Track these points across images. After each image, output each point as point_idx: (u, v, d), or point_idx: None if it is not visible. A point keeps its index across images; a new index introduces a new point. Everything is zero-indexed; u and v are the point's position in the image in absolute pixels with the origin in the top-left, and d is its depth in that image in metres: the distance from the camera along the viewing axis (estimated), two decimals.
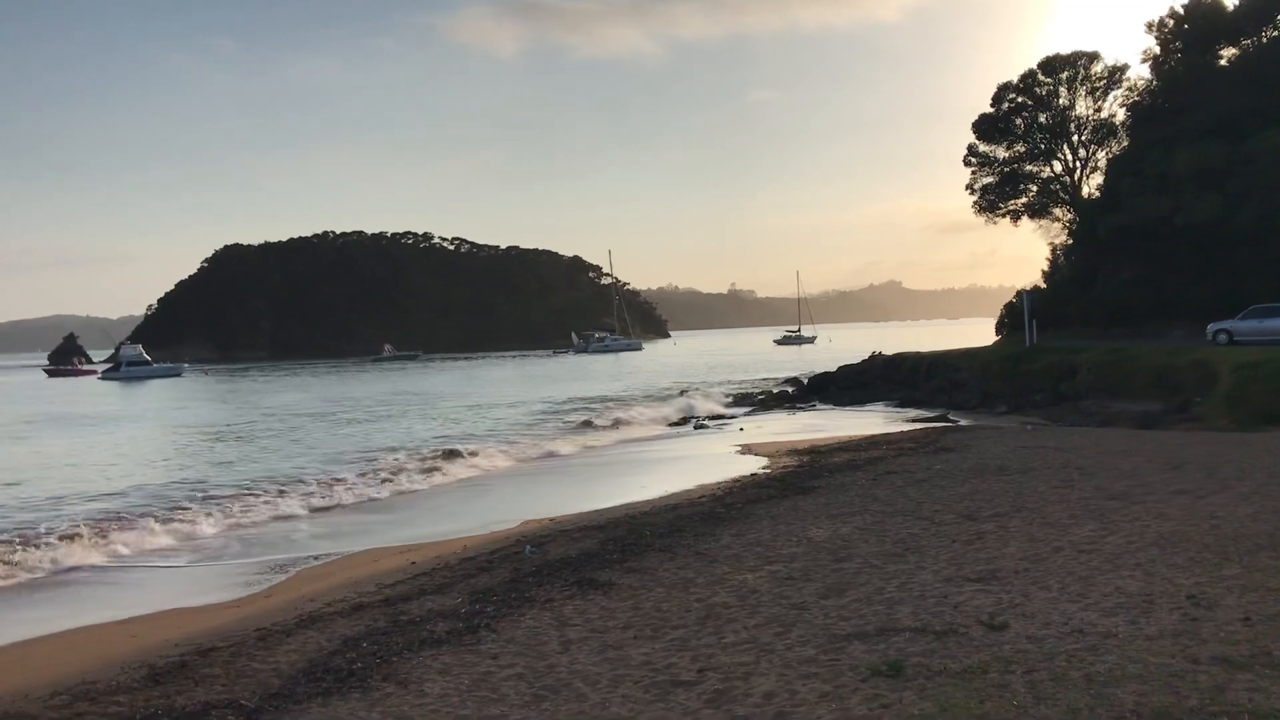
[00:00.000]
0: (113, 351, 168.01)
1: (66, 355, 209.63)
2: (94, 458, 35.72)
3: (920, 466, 21.05)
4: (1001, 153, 63.22)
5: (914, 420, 35.38)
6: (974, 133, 63.46)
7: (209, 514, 21.64)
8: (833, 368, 55.08)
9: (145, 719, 8.74)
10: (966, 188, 64.15)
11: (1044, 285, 58.42)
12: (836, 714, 7.50)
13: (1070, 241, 59.69)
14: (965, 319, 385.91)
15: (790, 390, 53.53)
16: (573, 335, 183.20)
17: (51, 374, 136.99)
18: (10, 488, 27.31)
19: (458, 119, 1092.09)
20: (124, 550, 18.45)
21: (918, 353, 51.78)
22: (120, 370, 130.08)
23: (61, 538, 18.89)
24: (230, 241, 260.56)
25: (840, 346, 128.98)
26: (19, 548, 18.18)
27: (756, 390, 57.74)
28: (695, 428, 37.79)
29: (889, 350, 56.27)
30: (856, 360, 54.56)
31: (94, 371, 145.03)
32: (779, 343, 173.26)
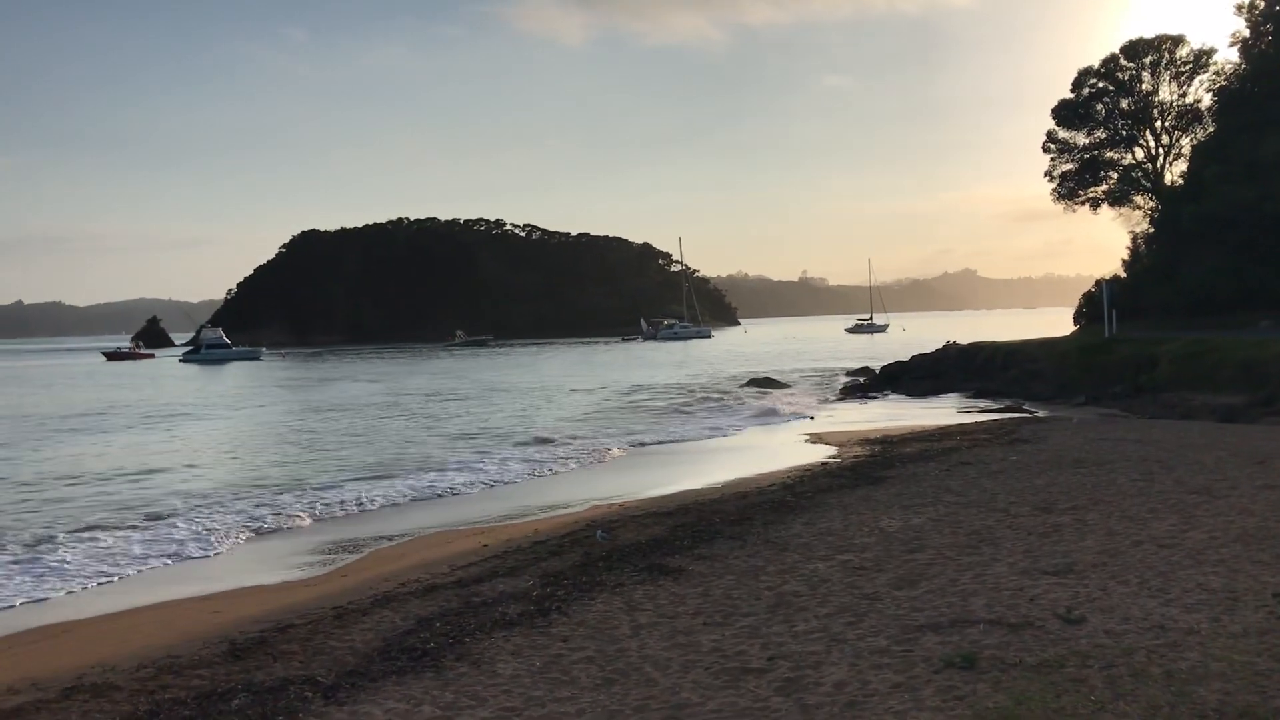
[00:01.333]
0: (194, 334, 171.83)
1: (151, 338, 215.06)
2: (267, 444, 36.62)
3: (995, 458, 20.76)
4: (1081, 139, 61.92)
5: (989, 411, 34.88)
6: (1053, 119, 62.22)
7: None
8: (906, 357, 54.45)
9: (226, 693, 8.95)
10: (1045, 175, 62.95)
11: (1123, 275, 57.16)
12: (909, 705, 7.45)
13: (1151, 230, 58.31)
14: (1042, 308, 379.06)
15: (862, 379, 53.07)
16: (641, 322, 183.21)
17: (110, 358, 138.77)
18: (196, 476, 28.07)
19: (526, 107, 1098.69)
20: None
21: (993, 342, 51.03)
22: (201, 353, 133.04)
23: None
24: (308, 227, 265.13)
25: (913, 335, 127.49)
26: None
27: (828, 378, 57.37)
28: (766, 415, 37.65)
29: (963, 339, 55.49)
30: (930, 349, 53.86)
31: (151, 355, 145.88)
32: (850, 331, 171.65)
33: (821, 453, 25.59)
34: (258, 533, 18.63)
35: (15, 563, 16.18)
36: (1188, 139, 59.53)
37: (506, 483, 23.72)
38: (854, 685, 7.99)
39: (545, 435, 32.75)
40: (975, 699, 7.41)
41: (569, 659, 9.30)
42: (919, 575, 11.35)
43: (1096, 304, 49.40)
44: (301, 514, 20.00)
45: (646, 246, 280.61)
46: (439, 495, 22.21)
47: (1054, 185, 62.61)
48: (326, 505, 20.89)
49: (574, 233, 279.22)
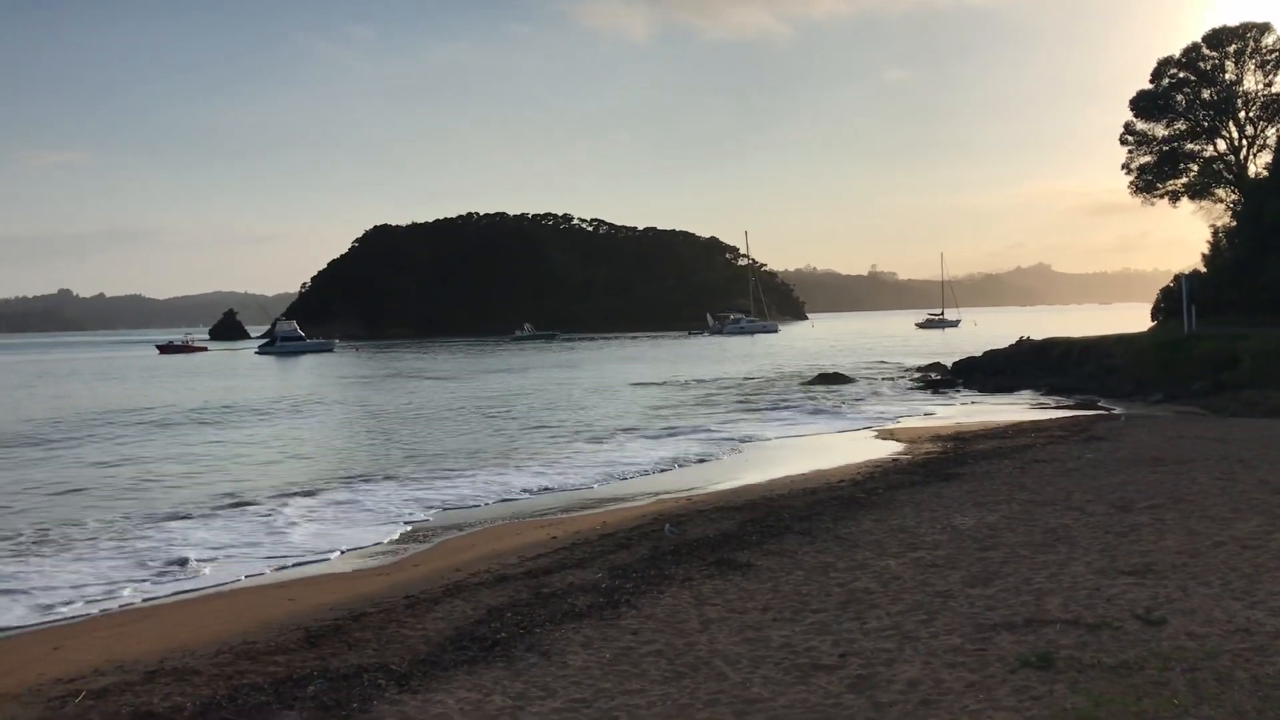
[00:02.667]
0: (269, 327, 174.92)
1: (227, 330, 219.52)
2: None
3: (1070, 455, 20.38)
4: (1161, 131, 60.36)
5: (1063, 407, 34.27)
6: (1131, 110, 60.75)
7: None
8: (978, 352, 53.70)
9: (301, 679, 9.11)
10: (1122, 167, 61.46)
11: (1203, 270, 55.69)
12: (984, 704, 7.34)
13: (1234, 224, 56.67)
14: (1117, 303, 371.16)
15: (933, 375, 52.45)
16: (708, 316, 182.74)
17: (163, 351, 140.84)
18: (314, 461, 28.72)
19: (592, 102, 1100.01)
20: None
21: (1068, 338, 50.09)
22: (276, 345, 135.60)
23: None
24: (379, 222, 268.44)
25: (985, 331, 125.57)
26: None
27: (898, 373, 56.77)
28: (834, 410, 37.38)
29: (1037, 335, 54.54)
30: (1003, 345, 53.04)
31: (204, 349, 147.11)
32: (921, 326, 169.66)
33: (891, 449, 25.34)
34: (339, 522, 18.90)
35: (103, 550, 16.64)
36: (1273, 130, 57.76)
37: (577, 486, 23.80)
38: (927, 683, 7.89)
39: (613, 430, 32.82)
40: (1052, 699, 7.28)
41: (638, 652, 9.31)
42: (993, 573, 11.18)
43: (1175, 299, 48.17)
44: (395, 506, 20.25)
45: (713, 240, 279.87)
46: (525, 492, 22.27)
47: (1132, 178, 61.12)
48: (415, 500, 21.15)
49: (641, 227, 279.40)
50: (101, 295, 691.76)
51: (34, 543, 17.31)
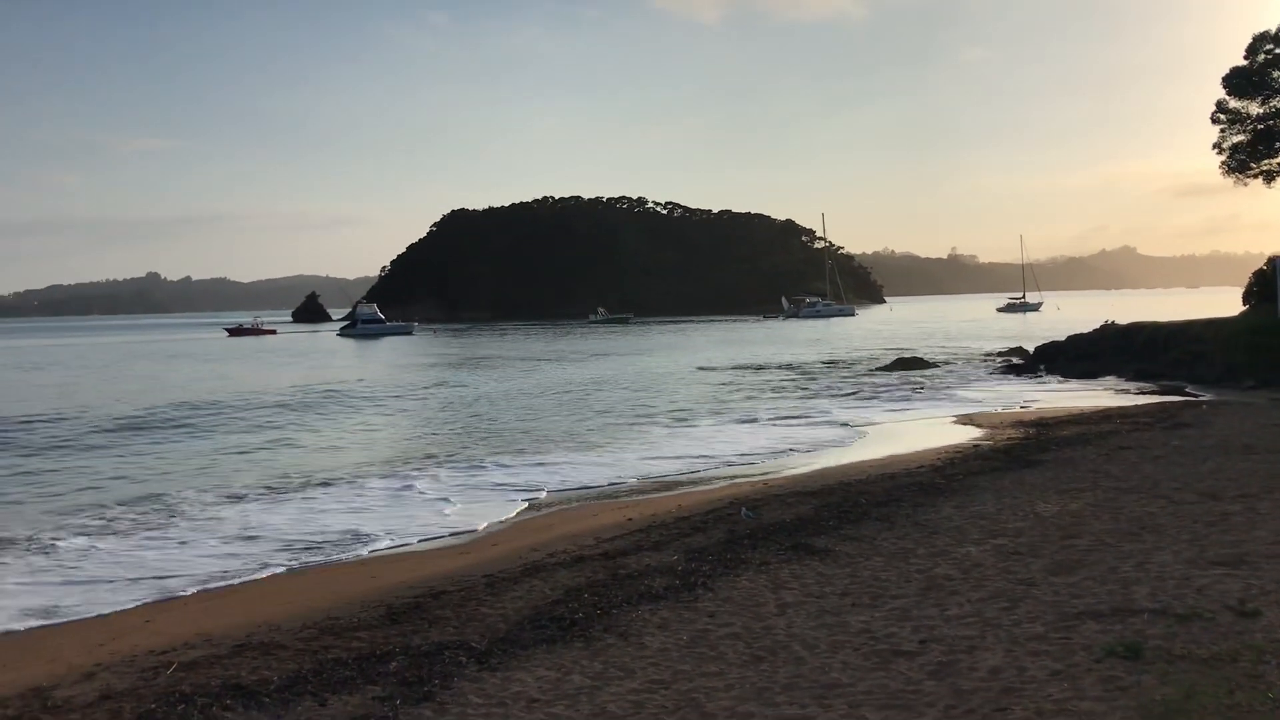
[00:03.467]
0: (350, 310, 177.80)
1: (309, 313, 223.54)
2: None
3: (1157, 442, 19.90)
4: (1255, 109, 58.25)
5: (1149, 394, 33.44)
6: (1224, 87, 58.72)
7: None
8: (1060, 337, 52.60)
9: (384, 655, 9.27)
10: (1214, 147, 59.45)
11: None
12: (1069, 694, 7.21)
13: None
14: (1205, 288, 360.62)
15: (1014, 360, 51.51)
16: (783, 300, 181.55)
17: (232, 334, 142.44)
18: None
19: (664, 85, 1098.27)
20: None
21: (1154, 322, 48.77)
22: (356, 328, 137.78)
23: None
24: (457, 206, 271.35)
25: (1069, 315, 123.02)
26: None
27: (978, 358, 55.88)
28: (914, 394, 36.95)
29: (1122, 319, 53.26)
30: (1087, 329, 51.88)
31: (273, 332, 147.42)
32: (1002, 310, 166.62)
33: (971, 434, 24.97)
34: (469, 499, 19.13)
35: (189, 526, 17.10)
36: None
37: (654, 477, 23.83)
38: (1010, 671, 7.78)
39: (686, 416, 32.82)
40: (1141, 690, 7.12)
41: (715, 634, 9.31)
42: (1077, 562, 10.97)
43: (1268, 283, 46.58)
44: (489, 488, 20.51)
45: (789, 223, 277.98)
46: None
47: (1223, 158, 59.13)
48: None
49: (715, 210, 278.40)
50: (188, 279, 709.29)
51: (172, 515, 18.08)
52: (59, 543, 15.86)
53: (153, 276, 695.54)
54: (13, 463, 25.10)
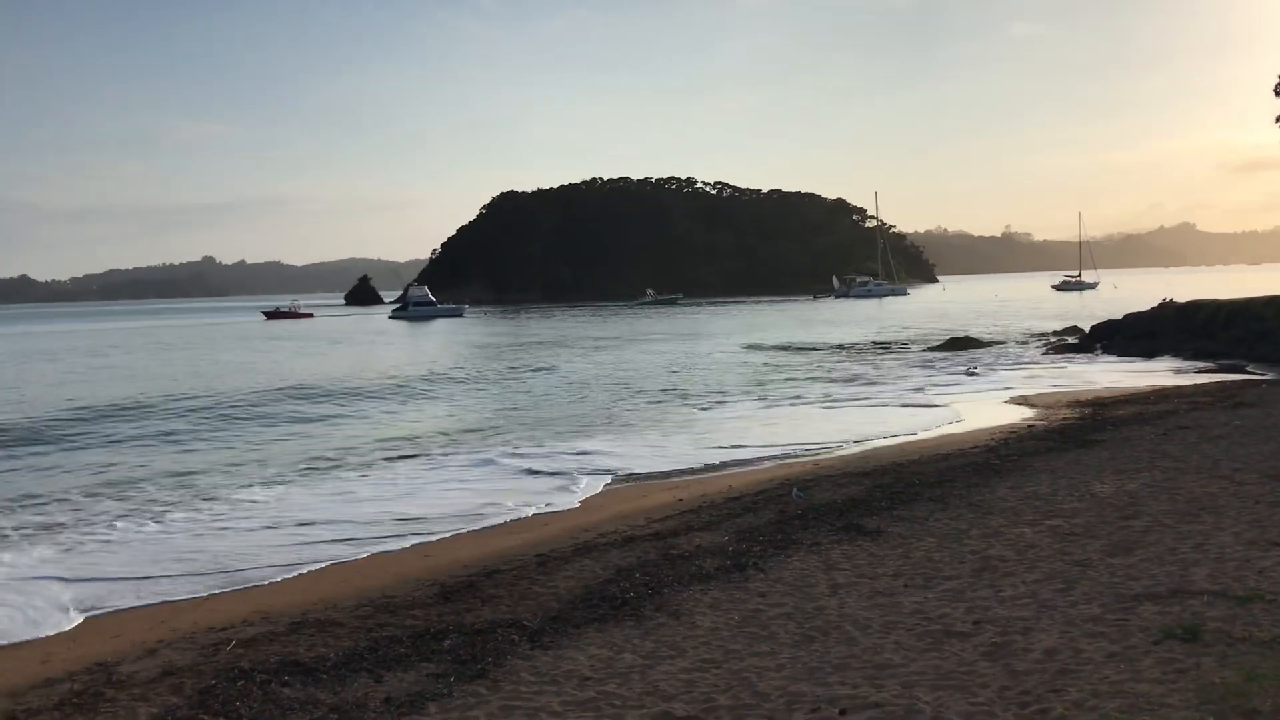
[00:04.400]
0: (401, 292, 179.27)
1: (362, 295, 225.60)
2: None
3: (1217, 422, 19.53)
4: None
5: (1210, 373, 32.83)
6: None
7: None
8: (1117, 315, 51.78)
9: (438, 633, 9.38)
10: (1277, 120, 58.24)
11: None
12: (1126, 675, 7.12)
13: None
14: (1269, 264, 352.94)
15: (1070, 339, 50.82)
16: (834, 279, 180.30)
17: (270, 317, 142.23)
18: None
19: (712, 65, 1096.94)
20: None
21: (1214, 300, 47.84)
22: (408, 310, 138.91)
23: None
24: (506, 188, 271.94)
25: (1125, 293, 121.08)
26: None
27: (1032, 337, 55.18)
28: (967, 374, 36.58)
29: (1181, 297, 52.28)
30: (1144, 308, 51.02)
31: (310, 315, 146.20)
32: (1057, 289, 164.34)
33: (1026, 414, 24.68)
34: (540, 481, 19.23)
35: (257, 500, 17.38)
36: None
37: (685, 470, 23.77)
38: (1066, 653, 7.70)
39: (727, 396, 32.75)
40: (1199, 673, 7.02)
41: (767, 614, 9.31)
42: (1134, 543, 10.82)
43: None
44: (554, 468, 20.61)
45: (840, 202, 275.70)
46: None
47: None
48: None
49: (765, 189, 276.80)
50: (243, 262, 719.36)
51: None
52: (147, 518, 16.30)
53: (208, 260, 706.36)
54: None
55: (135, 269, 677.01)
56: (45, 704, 8.22)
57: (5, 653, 10.15)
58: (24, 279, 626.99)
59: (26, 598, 12.08)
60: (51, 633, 10.65)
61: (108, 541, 14.86)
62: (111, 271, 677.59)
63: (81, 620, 11.05)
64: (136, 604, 11.72)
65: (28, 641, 10.51)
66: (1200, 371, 33.56)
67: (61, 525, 16.09)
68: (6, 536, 15.41)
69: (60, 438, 25.96)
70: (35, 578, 12.97)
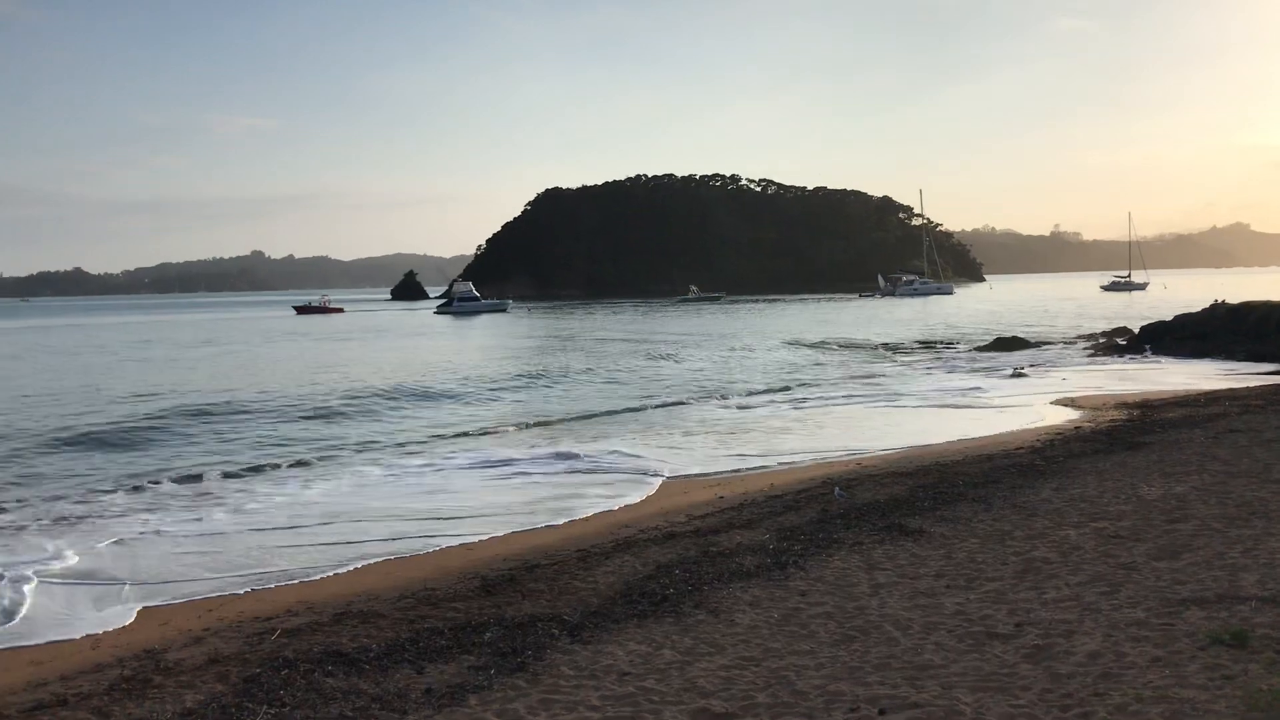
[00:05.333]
0: (446, 288, 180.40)
1: (407, 290, 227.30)
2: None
3: (1269, 425, 19.20)
4: None
5: (1261, 375, 32.27)
6: None
7: None
8: (1168, 316, 51.05)
9: (479, 626, 9.45)
10: None
11: None
12: (1170, 681, 7.04)
13: None
14: None
15: (1119, 340, 50.16)
16: (879, 278, 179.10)
17: (300, 312, 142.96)
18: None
19: (754, 63, 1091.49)
20: None
21: (1267, 301, 47.03)
22: (453, 305, 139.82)
23: None
24: (550, 185, 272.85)
25: (1176, 294, 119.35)
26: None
27: (1080, 338, 54.53)
28: (1013, 375, 36.21)
29: (1233, 298, 51.45)
30: (1195, 309, 50.26)
31: (340, 310, 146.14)
32: (1106, 289, 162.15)
33: (1072, 416, 24.39)
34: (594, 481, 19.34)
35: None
36: None
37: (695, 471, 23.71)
38: (1109, 656, 7.62)
39: (745, 390, 32.64)
40: (1247, 680, 6.92)
41: (807, 613, 9.30)
42: (1181, 546, 10.68)
43: None
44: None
45: (886, 200, 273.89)
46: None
47: None
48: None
49: (810, 186, 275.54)
50: (291, 256, 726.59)
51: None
52: (200, 511, 16.59)
53: (257, 254, 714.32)
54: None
55: (185, 262, 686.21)
56: (95, 689, 8.38)
57: (58, 640, 10.36)
58: (78, 271, 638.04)
59: (82, 590, 12.33)
60: (105, 626, 10.79)
61: (159, 533, 15.09)
62: (163, 265, 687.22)
63: (134, 611, 11.22)
64: (185, 594, 11.89)
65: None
66: (1252, 374, 33.00)
67: (113, 518, 16.40)
68: (57, 530, 15.73)
69: (120, 434, 26.30)
70: (90, 570, 13.23)
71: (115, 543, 14.51)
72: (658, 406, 30.32)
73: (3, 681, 8.87)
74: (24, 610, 11.42)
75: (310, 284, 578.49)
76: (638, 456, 21.06)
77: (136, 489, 18.74)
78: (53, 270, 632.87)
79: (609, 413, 29.01)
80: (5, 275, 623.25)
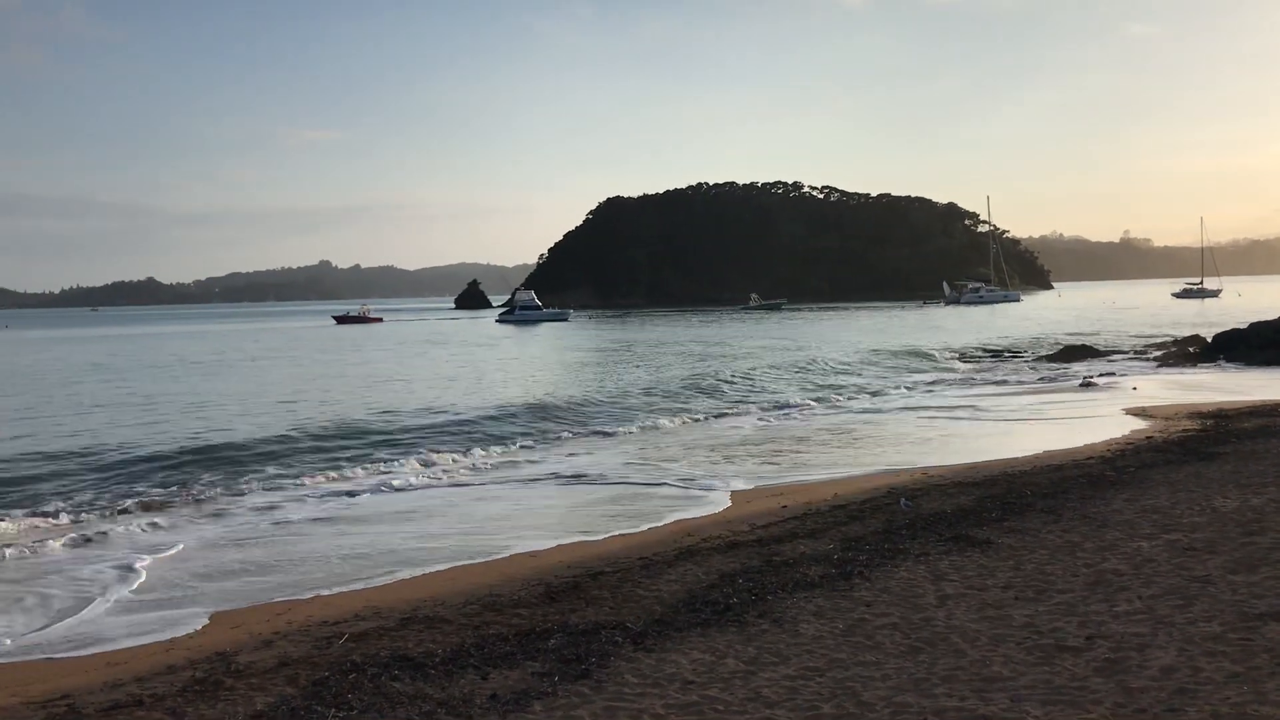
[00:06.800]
0: (509, 296, 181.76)
1: (471, 299, 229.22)
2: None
3: None
4: None
5: None
6: None
7: None
8: (1242, 324, 49.84)
9: (543, 632, 9.50)
10: None
11: None
12: (1248, 697, 6.87)
13: None
14: None
15: (1191, 348, 49.05)
16: (945, 285, 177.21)
17: (340, 321, 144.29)
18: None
19: (815, 69, 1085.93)
20: None
21: None
22: (515, 314, 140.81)
23: None
24: (612, 194, 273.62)
25: (1250, 301, 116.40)
26: None
27: (1151, 347, 53.44)
28: (1082, 384, 35.58)
29: None
30: (1271, 316, 49.03)
31: (380, 320, 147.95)
32: (1178, 296, 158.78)
33: (1144, 426, 23.90)
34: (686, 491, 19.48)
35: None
36: None
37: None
38: (1184, 671, 7.46)
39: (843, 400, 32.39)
40: None
41: (872, 624, 9.21)
42: (1259, 560, 10.41)
43: None
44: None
45: (951, 206, 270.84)
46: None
47: None
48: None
49: (874, 194, 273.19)
50: (357, 266, 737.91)
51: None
52: (280, 514, 16.83)
53: (324, 264, 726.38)
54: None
55: (255, 272, 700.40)
56: (169, 690, 8.55)
57: (133, 645, 10.60)
58: (151, 281, 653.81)
59: (157, 594, 12.62)
60: (178, 630, 10.99)
61: (239, 542, 15.37)
62: (233, 274, 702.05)
63: (207, 615, 11.44)
64: (256, 598, 12.10)
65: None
66: None
67: (191, 524, 16.77)
68: (138, 532, 16.13)
69: (204, 447, 26.81)
70: (164, 575, 13.54)
71: (201, 547, 14.83)
72: (718, 416, 30.29)
73: (81, 682, 9.10)
74: (103, 612, 11.73)
75: (376, 292, 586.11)
76: (698, 466, 21.05)
77: (198, 500, 19.03)
78: (127, 280, 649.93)
79: (668, 421, 28.98)
80: (83, 285, 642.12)
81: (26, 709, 8.43)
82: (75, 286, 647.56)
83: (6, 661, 10.12)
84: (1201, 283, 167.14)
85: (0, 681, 9.40)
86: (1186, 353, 47.32)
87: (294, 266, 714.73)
